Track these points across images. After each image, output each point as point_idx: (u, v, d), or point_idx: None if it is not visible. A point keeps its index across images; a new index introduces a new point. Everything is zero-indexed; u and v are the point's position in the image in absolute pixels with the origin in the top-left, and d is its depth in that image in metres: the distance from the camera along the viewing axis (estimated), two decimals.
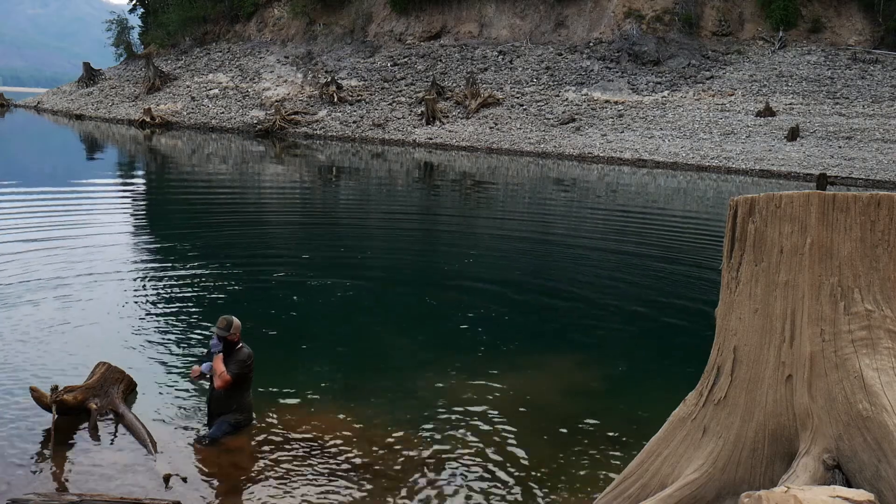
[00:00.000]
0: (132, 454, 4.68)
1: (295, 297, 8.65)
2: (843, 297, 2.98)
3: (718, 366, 3.25)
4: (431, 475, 4.66)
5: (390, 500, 4.36)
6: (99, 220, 12.89)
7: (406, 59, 43.38)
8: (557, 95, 38.13)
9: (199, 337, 6.94)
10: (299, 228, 13.98)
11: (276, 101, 40.53)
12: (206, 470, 4.57)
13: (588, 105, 36.99)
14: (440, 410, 5.58)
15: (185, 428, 5.09)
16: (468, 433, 5.23)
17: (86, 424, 4.99)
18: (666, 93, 36.86)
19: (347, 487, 4.45)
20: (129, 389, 5.44)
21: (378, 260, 11.05)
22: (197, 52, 49.31)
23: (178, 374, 6.03)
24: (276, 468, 4.62)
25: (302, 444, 4.93)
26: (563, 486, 4.59)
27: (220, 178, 21.59)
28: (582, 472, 4.78)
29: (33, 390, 5.03)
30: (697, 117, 34.17)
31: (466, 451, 4.98)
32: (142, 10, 57.30)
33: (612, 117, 35.54)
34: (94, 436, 4.90)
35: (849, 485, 2.81)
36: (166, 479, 4.37)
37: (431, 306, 8.61)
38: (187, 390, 5.70)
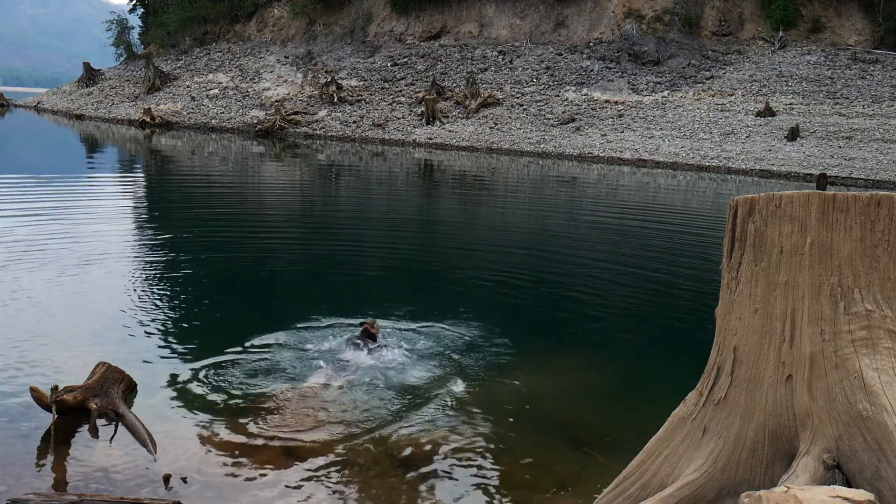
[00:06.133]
0: (132, 454, 4.68)
1: (295, 295, 8.65)
2: (843, 297, 2.98)
3: (718, 366, 3.25)
4: (431, 474, 4.66)
5: (389, 499, 4.36)
6: (98, 219, 12.88)
7: (406, 59, 43.39)
8: (557, 95, 38.13)
9: (200, 336, 6.94)
10: (299, 226, 13.98)
11: (276, 101, 40.53)
12: (206, 470, 4.57)
13: (588, 105, 36.99)
14: (439, 409, 5.57)
15: (186, 428, 5.08)
16: (466, 432, 5.23)
17: (86, 424, 4.98)
18: (666, 93, 36.86)
19: (347, 487, 4.45)
20: (129, 389, 5.44)
21: (377, 257, 11.05)
22: (197, 52, 49.31)
23: (179, 373, 6.02)
24: (276, 467, 4.62)
25: (301, 442, 4.92)
26: (563, 486, 4.59)
27: (220, 177, 21.59)
28: (581, 472, 4.78)
29: (33, 390, 5.03)
30: (697, 117, 34.17)
31: (464, 450, 4.98)
32: (142, 10, 57.30)
33: (612, 117, 35.54)
34: (94, 436, 4.89)
35: (849, 485, 2.81)
36: (166, 479, 4.37)
37: (431, 304, 8.60)
38: (188, 390, 5.70)
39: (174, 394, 5.64)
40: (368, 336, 6.52)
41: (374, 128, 37.18)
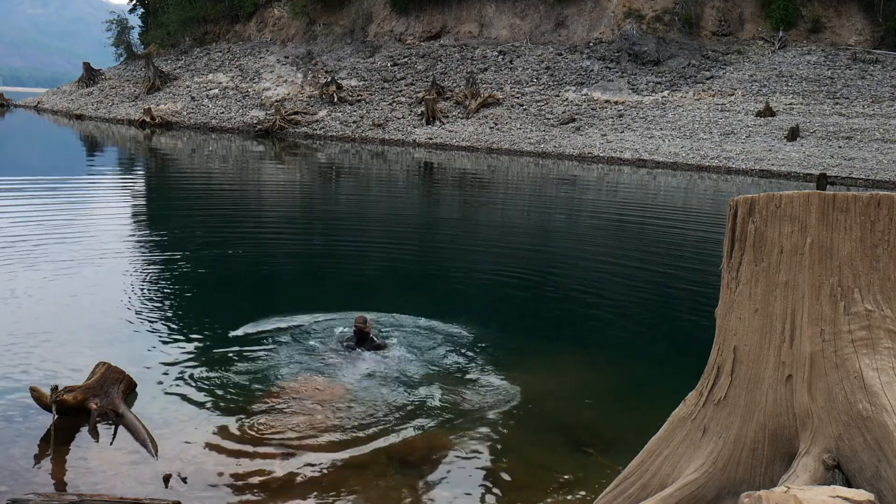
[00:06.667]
0: (132, 454, 4.68)
1: (295, 294, 8.64)
2: (843, 297, 2.98)
3: (718, 366, 3.25)
4: (430, 474, 4.66)
5: (389, 499, 4.36)
6: (97, 219, 12.89)
7: (406, 59, 43.37)
8: (557, 95, 38.12)
9: (200, 336, 6.94)
10: (299, 226, 13.98)
11: (276, 101, 40.52)
12: (206, 470, 4.57)
13: (588, 105, 36.98)
14: (439, 409, 5.57)
15: (185, 428, 5.09)
16: (466, 432, 5.23)
17: (86, 424, 4.98)
18: (666, 93, 36.86)
19: (346, 486, 4.45)
20: (129, 389, 5.44)
21: (377, 257, 11.05)
22: (197, 52, 49.30)
23: (178, 373, 6.02)
24: (275, 467, 4.62)
25: (301, 442, 4.92)
26: (563, 486, 4.59)
27: (220, 177, 21.59)
28: (581, 472, 4.78)
29: (33, 390, 5.03)
30: (697, 117, 34.17)
31: (465, 450, 4.98)
32: (142, 10, 57.27)
33: (612, 117, 35.54)
34: (94, 436, 4.89)
35: (849, 485, 2.81)
36: (166, 479, 4.37)
37: (431, 303, 8.60)
38: (187, 390, 5.70)
39: (174, 394, 5.64)
40: (362, 335, 6.64)
41: (374, 128, 37.18)
